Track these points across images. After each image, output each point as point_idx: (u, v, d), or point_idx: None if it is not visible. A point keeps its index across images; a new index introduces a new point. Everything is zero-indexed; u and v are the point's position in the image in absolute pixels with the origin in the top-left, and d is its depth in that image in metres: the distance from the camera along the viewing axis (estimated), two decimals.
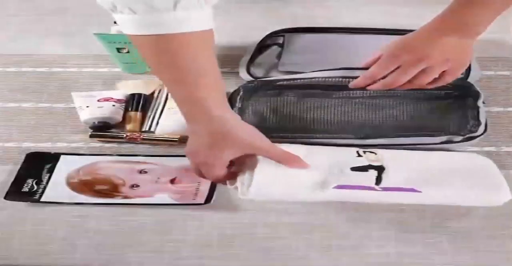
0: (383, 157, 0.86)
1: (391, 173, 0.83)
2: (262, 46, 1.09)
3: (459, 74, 0.92)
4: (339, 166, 0.84)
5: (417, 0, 1.21)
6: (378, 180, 0.82)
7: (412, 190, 0.81)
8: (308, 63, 1.04)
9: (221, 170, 0.81)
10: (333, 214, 0.85)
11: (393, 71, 0.90)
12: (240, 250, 0.82)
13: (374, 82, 0.92)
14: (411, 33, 0.91)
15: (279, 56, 1.07)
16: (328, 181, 0.81)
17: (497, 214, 0.84)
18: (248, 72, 1.04)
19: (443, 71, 0.90)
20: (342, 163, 0.84)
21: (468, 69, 0.99)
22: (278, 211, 0.86)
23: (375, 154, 0.87)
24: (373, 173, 0.83)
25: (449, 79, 0.91)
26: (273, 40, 1.11)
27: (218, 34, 1.16)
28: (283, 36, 1.11)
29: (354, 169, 0.84)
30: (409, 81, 0.90)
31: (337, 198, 0.82)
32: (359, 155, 0.86)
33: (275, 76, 1.02)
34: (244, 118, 0.92)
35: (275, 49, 1.09)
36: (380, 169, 0.84)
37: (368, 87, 0.92)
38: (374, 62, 0.92)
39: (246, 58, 1.07)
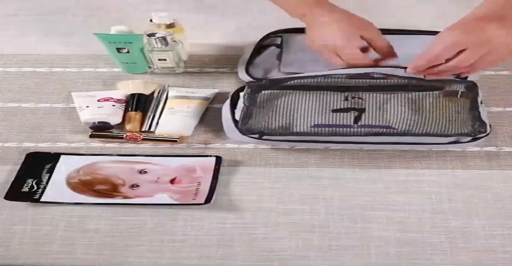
0: (368, 101, 0.94)
1: (371, 114, 0.92)
2: (260, 46, 1.09)
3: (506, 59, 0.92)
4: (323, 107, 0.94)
5: (415, 0, 1.21)
6: (357, 119, 0.91)
7: (388, 127, 0.90)
8: (310, 63, 1.03)
9: None
10: (333, 214, 0.85)
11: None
12: (240, 250, 0.82)
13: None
14: (462, 21, 0.91)
15: (279, 57, 1.07)
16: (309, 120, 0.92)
17: (497, 214, 0.85)
18: (247, 73, 1.04)
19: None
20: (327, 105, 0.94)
21: None
22: (278, 211, 0.86)
23: (362, 99, 0.94)
24: (353, 114, 0.92)
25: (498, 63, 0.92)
26: (271, 41, 1.11)
27: (218, 34, 1.17)
28: (281, 36, 1.11)
29: (335, 110, 0.93)
30: (471, 65, 0.89)
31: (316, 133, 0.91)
32: (346, 99, 0.94)
33: (276, 76, 1.02)
34: (254, 115, 0.94)
35: (273, 50, 1.08)
36: (361, 111, 0.92)
37: (430, 71, 0.91)
38: (432, 57, 0.90)
39: (245, 59, 1.07)
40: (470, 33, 0.88)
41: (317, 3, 0.99)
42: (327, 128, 0.91)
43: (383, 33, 1.01)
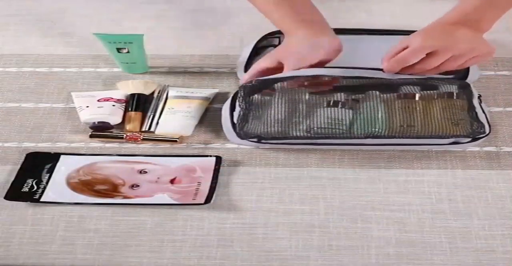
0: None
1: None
2: (258, 47, 1.09)
3: (484, 60, 0.97)
4: None
5: (415, 1, 1.21)
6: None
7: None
8: None
9: None
10: (333, 214, 0.85)
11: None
12: (240, 250, 0.82)
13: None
14: (430, 26, 0.96)
15: None
16: None
17: (497, 214, 0.85)
18: None
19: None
20: None
21: (467, 69, 0.99)
22: (278, 211, 0.86)
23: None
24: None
25: (471, 63, 0.96)
26: (268, 42, 1.10)
27: (218, 35, 1.17)
28: (278, 37, 1.10)
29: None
30: (437, 66, 0.94)
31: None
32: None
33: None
34: (250, 119, 0.93)
35: (271, 50, 1.08)
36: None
37: (400, 71, 0.95)
38: (398, 53, 0.94)
39: (243, 60, 1.07)
40: (437, 37, 0.92)
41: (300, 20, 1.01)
42: (325, 131, 0.91)
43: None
